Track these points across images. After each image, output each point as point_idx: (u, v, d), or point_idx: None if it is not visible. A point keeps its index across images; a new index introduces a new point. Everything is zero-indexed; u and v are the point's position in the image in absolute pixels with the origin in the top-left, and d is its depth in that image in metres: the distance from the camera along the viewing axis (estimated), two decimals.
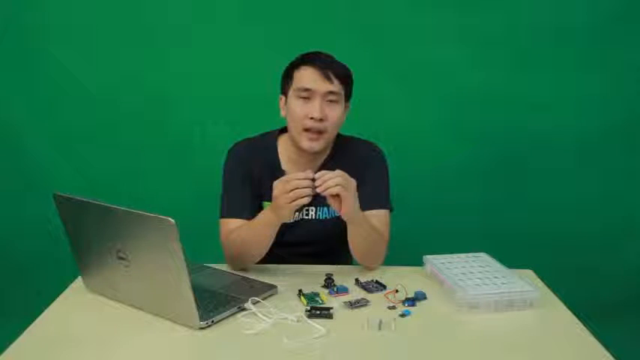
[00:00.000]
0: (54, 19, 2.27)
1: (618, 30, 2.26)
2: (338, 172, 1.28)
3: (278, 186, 1.28)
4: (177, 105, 2.34)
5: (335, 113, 1.44)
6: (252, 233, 1.38)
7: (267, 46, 2.23)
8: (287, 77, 1.49)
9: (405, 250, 1.55)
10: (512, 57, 2.29)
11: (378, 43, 2.27)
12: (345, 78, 1.46)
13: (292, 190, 1.25)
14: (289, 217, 1.31)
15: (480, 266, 1.40)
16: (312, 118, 1.42)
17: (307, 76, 1.43)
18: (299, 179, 1.26)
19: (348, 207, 1.31)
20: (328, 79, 1.42)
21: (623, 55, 2.28)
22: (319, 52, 1.47)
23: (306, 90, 1.42)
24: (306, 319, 1.17)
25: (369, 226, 1.41)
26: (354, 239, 1.42)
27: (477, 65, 2.29)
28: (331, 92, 1.43)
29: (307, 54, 1.48)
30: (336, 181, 1.26)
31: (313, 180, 1.27)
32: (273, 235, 1.36)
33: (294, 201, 1.26)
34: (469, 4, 2.25)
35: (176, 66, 2.30)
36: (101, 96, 2.32)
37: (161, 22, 2.28)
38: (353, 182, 1.31)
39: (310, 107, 1.42)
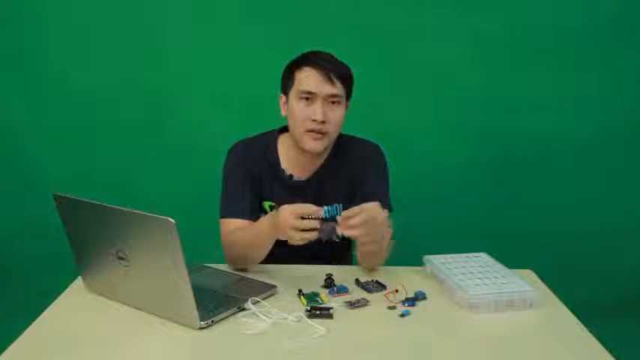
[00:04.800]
0: (54, 19, 2.28)
1: (618, 30, 2.26)
2: (365, 218, 1.21)
3: (288, 218, 1.22)
4: (177, 105, 2.34)
5: (337, 115, 1.44)
6: (251, 240, 1.38)
7: (267, 46, 2.23)
8: (288, 77, 1.48)
9: (405, 250, 1.55)
10: (512, 57, 2.29)
11: (378, 43, 2.27)
12: (346, 78, 1.45)
13: (301, 229, 1.21)
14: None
15: (480, 266, 1.40)
16: (314, 121, 1.42)
17: (309, 79, 1.42)
18: (310, 219, 1.21)
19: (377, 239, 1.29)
20: (330, 81, 1.41)
21: (623, 55, 2.28)
22: (320, 52, 1.47)
23: (308, 93, 1.42)
24: (306, 319, 1.17)
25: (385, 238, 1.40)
26: (368, 248, 1.40)
27: (476, 65, 2.29)
28: (333, 95, 1.42)
29: (308, 54, 1.47)
30: (361, 231, 1.21)
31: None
32: (272, 242, 1.36)
33: (296, 240, 1.22)
34: (469, 4, 2.26)
35: (176, 66, 2.31)
36: (101, 96, 2.32)
37: (161, 22, 2.28)
38: (379, 224, 1.25)
39: (312, 110, 1.42)
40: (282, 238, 1.27)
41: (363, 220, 1.20)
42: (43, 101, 2.33)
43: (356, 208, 1.22)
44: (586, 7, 2.25)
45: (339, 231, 1.23)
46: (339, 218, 1.22)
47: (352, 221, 1.21)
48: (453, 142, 2.36)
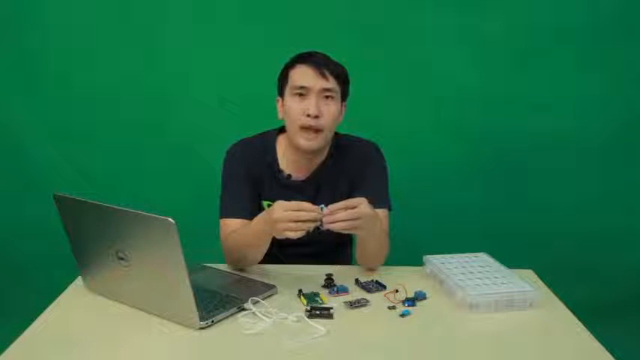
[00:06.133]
0: (54, 19, 2.28)
1: (618, 30, 2.26)
2: (350, 213, 1.22)
3: (281, 211, 1.21)
4: (177, 105, 2.34)
5: (331, 110, 1.44)
6: (248, 240, 1.37)
7: (267, 46, 2.23)
8: (283, 78, 1.49)
9: (405, 250, 1.55)
10: (512, 57, 2.29)
11: (378, 43, 2.27)
12: (341, 76, 1.46)
13: (295, 220, 1.20)
14: (284, 237, 1.27)
15: (480, 266, 1.40)
16: (308, 116, 1.41)
17: (302, 74, 1.43)
18: (304, 211, 1.21)
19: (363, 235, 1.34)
20: (323, 76, 1.42)
21: (623, 55, 2.28)
22: (314, 52, 1.48)
23: (302, 88, 1.42)
24: (306, 319, 1.17)
25: (380, 232, 1.40)
26: (364, 245, 1.41)
27: (476, 65, 2.29)
28: (326, 89, 1.42)
29: (302, 54, 1.48)
30: (344, 225, 1.22)
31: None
32: (269, 242, 1.35)
33: (292, 231, 1.21)
34: (469, 4, 2.26)
35: (176, 66, 2.31)
36: (101, 96, 2.32)
37: (161, 22, 2.28)
38: (368, 217, 1.26)
39: (306, 104, 1.42)
40: (277, 235, 1.27)
41: (348, 215, 1.21)
42: (43, 101, 2.33)
43: (341, 203, 1.23)
44: (586, 7, 2.25)
45: (325, 226, 1.22)
46: (325, 211, 1.22)
47: (337, 216, 1.21)
48: (453, 142, 2.36)
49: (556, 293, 1.35)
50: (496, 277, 1.32)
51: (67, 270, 1.40)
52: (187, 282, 1.07)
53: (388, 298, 1.28)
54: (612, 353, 1.07)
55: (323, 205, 1.22)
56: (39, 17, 2.27)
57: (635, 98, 2.33)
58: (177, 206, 2.01)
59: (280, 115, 1.51)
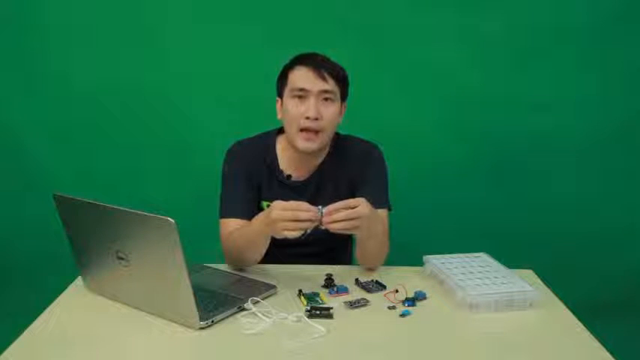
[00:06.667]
0: (53, 19, 2.28)
1: (618, 30, 2.26)
2: (349, 213, 1.21)
3: (279, 211, 1.21)
4: (177, 105, 2.34)
5: (330, 112, 1.44)
6: (247, 240, 1.38)
7: (267, 46, 2.23)
8: (282, 79, 1.49)
9: (405, 250, 1.55)
10: (512, 57, 2.29)
11: (378, 43, 2.27)
12: (340, 77, 1.46)
13: (293, 220, 1.20)
14: (282, 237, 1.27)
15: (480, 266, 1.40)
16: (307, 118, 1.42)
17: (301, 76, 1.43)
18: (302, 211, 1.21)
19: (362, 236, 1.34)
20: (322, 78, 1.42)
21: (623, 55, 2.28)
22: (313, 53, 1.48)
23: (301, 90, 1.43)
24: (306, 319, 1.17)
25: (381, 233, 1.40)
26: (364, 245, 1.41)
27: (476, 65, 2.29)
28: (326, 91, 1.43)
29: (301, 55, 1.48)
30: (343, 225, 1.22)
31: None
32: (268, 242, 1.35)
33: (290, 230, 1.21)
34: (469, 4, 2.26)
35: (176, 66, 2.31)
36: (101, 96, 2.32)
37: (161, 22, 2.28)
38: (367, 218, 1.24)
39: (305, 106, 1.42)
40: (275, 235, 1.27)
41: (346, 215, 1.21)
42: (43, 101, 2.33)
43: (340, 203, 1.22)
44: (586, 7, 2.24)
45: (324, 226, 1.22)
46: (324, 211, 1.22)
47: (335, 216, 1.21)
48: (453, 142, 2.35)
49: (556, 293, 1.35)
50: (496, 277, 1.32)
51: (67, 270, 1.40)
52: (187, 282, 1.07)
53: (388, 298, 1.28)
54: (612, 353, 1.07)
55: (321, 207, 1.22)
56: (39, 17, 2.27)
57: (635, 98, 2.33)
58: (177, 206, 2.01)
59: (279, 116, 1.51)
